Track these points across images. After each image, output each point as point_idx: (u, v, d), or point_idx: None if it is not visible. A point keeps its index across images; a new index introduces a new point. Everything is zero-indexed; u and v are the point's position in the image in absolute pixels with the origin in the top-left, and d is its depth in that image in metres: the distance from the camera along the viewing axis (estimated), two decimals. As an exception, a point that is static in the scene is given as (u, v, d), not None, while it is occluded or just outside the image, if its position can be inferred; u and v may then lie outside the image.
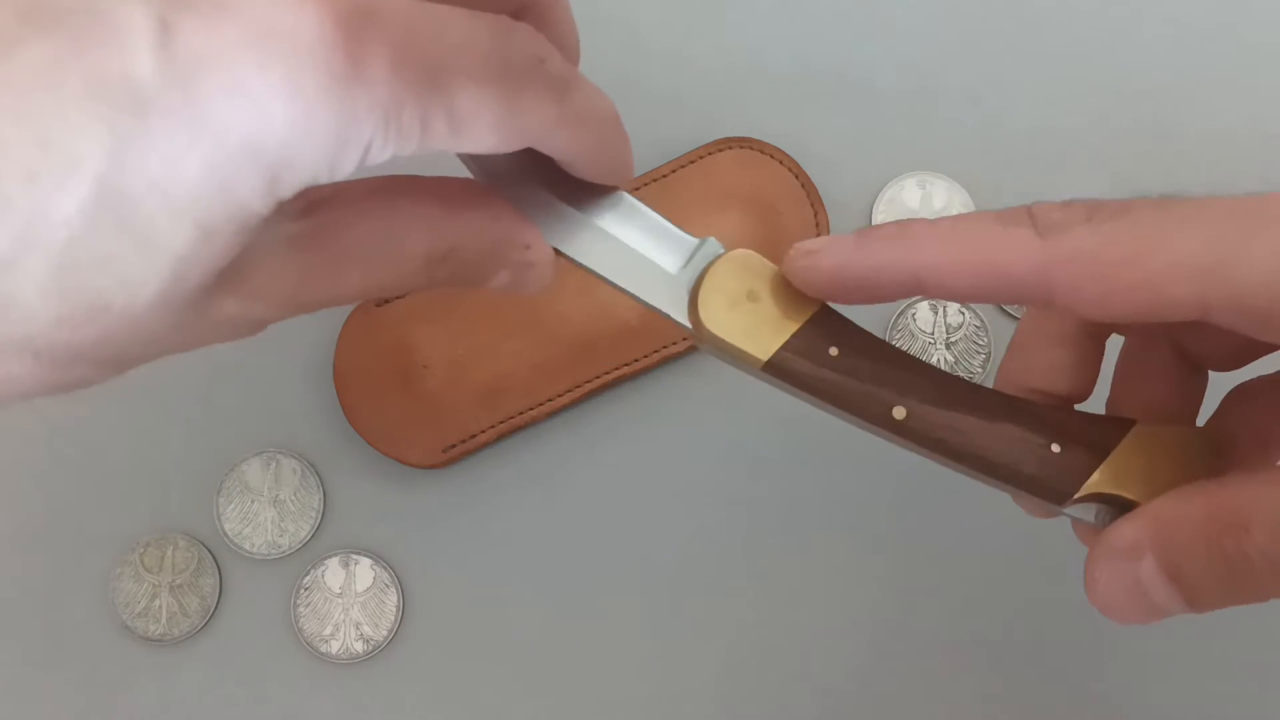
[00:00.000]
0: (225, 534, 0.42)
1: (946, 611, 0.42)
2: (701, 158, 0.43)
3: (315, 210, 0.26)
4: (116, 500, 0.42)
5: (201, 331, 0.25)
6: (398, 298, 0.42)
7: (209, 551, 0.42)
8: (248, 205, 0.22)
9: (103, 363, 0.24)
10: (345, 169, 0.22)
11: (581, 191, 0.29)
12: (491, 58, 0.23)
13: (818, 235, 0.43)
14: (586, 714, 0.42)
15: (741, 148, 0.43)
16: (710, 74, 0.45)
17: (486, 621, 0.42)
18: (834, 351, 0.28)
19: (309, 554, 0.42)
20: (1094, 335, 0.31)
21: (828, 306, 0.29)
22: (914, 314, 0.43)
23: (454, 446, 0.42)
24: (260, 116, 0.21)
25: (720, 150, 0.43)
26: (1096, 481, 0.28)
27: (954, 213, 0.44)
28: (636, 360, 0.42)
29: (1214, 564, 0.25)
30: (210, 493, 0.42)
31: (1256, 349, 0.30)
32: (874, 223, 0.44)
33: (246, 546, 0.42)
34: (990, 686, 0.42)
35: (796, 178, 0.43)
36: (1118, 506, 0.29)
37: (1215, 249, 0.24)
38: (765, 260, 0.29)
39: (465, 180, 0.28)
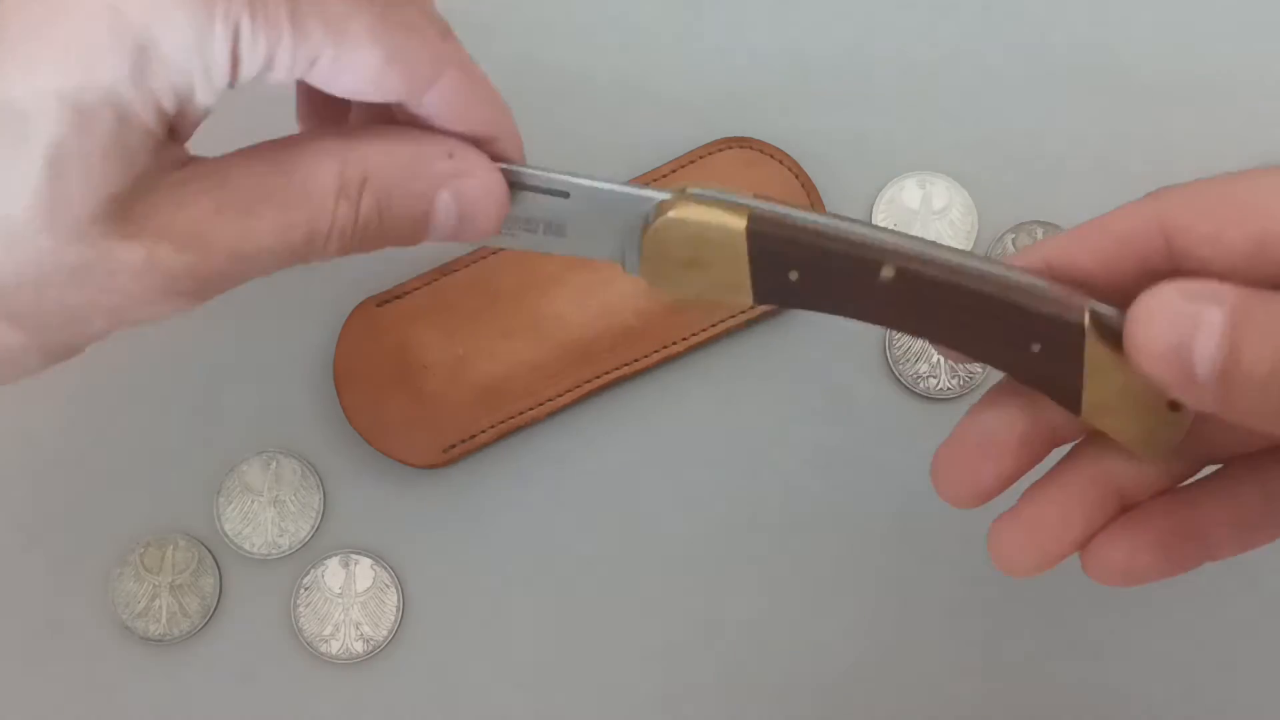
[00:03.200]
0: (225, 534, 0.42)
1: (947, 611, 0.42)
2: (701, 158, 0.43)
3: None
4: (116, 500, 0.42)
5: (115, 288, 0.24)
6: (395, 297, 0.42)
7: (209, 551, 0.42)
8: (116, 90, 0.22)
9: (16, 317, 0.24)
10: (218, 62, 0.23)
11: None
12: None
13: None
14: (586, 714, 0.42)
15: (741, 148, 0.43)
16: (710, 74, 0.45)
17: (486, 622, 0.42)
18: (794, 276, 0.28)
19: (309, 554, 0.42)
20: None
21: (757, 237, 0.28)
22: (914, 314, 0.43)
23: (454, 446, 0.42)
24: None
25: (720, 150, 0.43)
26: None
27: (954, 213, 0.44)
28: (636, 360, 0.42)
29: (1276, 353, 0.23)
30: (210, 493, 0.42)
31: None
32: (874, 222, 0.44)
33: (246, 546, 0.42)
34: (991, 685, 0.42)
35: (796, 178, 0.43)
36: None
37: None
38: (686, 220, 0.28)
39: (369, 115, 0.28)
